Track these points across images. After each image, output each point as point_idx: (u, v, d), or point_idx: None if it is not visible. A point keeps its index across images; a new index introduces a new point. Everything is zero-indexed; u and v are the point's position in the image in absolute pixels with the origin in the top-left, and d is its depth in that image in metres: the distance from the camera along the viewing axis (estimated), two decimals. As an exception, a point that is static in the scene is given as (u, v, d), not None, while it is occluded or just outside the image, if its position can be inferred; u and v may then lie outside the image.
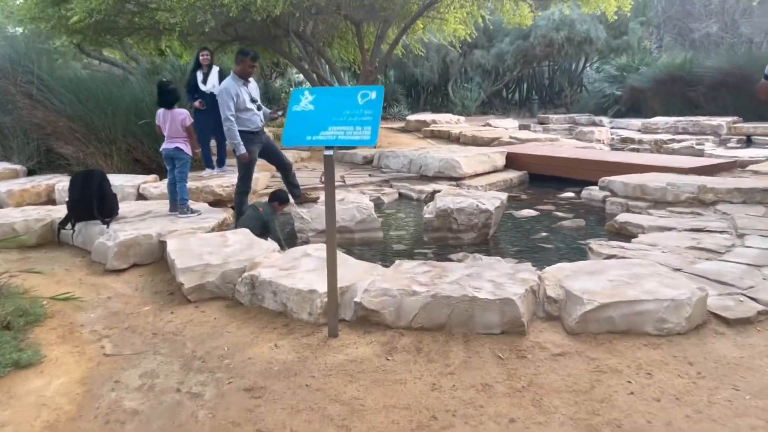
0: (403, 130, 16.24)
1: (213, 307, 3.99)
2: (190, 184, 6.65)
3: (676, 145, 11.68)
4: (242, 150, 5.60)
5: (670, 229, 5.79)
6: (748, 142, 14.12)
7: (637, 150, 13.09)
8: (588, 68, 25.37)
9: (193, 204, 5.96)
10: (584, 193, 8.21)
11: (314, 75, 13.42)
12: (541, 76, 26.35)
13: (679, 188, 6.81)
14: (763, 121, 14.62)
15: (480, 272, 3.73)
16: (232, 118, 5.55)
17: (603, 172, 8.63)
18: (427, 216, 6.00)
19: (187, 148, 5.57)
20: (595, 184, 8.32)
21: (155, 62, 14.20)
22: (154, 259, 4.81)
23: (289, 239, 6.14)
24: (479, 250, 5.74)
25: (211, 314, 3.85)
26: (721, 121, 14.87)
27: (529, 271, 3.77)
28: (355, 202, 6.28)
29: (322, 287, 3.51)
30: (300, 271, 3.91)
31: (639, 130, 16.14)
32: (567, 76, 25.47)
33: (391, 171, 9.99)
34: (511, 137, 12.89)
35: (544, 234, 6.30)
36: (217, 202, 6.93)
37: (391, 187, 8.88)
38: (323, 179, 3.29)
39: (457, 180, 8.96)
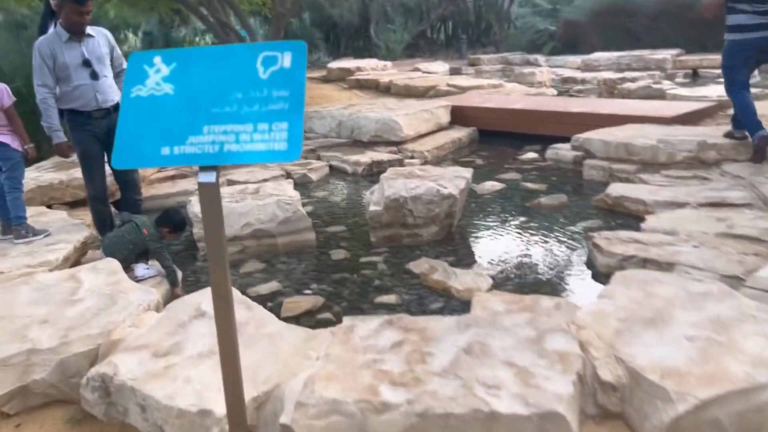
0: (324, 80, 14.43)
1: (46, 421, 2.40)
2: (33, 177, 4.86)
3: (631, 86, 10.52)
4: (58, 137, 3.87)
5: (681, 205, 4.53)
6: (695, 76, 13.21)
7: (580, 92, 11.90)
8: (514, 2, 23.97)
9: (37, 217, 4.20)
10: (550, 152, 6.89)
11: (215, 22, 11.35)
12: (467, 13, 24.76)
13: (674, 146, 5.56)
14: (707, 53, 13.73)
15: (485, 342, 2.29)
16: (45, 92, 3.78)
17: (566, 125, 7.33)
18: (373, 209, 4.48)
19: (14, 143, 3.77)
20: (557, 139, 7.02)
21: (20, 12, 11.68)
22: (-32, 322, 3.09)
23: (183, 255, 4.49)
24: (445, 252, 4.31)
25: (42, 440, 2.27)
26: (666, 55, 13.88)
27: (563, 334, 2.34)
28: (274, 194, 4.68)
29: (221, 402, 1.97)
30: (186, 357, 2.35)
31: (579, 68, 14.97)
32: (494, 12, 24.00)
33: (317, 136, 8.34)
34: (449, 85, 11.40)
35: (521, 219, 4.92)
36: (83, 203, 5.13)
37: (318, 158, 7.27)
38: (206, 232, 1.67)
39: (397, 144, 7.44)
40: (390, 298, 3.61)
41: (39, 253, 3.57)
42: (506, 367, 2.10)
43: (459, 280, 3.65)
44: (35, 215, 4.39)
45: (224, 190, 4.76)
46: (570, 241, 4.38)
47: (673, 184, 5.14)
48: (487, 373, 2.07)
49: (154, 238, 3.69)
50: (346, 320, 2.80)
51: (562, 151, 6.75)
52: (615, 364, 2.20)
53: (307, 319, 3.45)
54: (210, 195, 1.67)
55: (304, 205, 5.36)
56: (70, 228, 4.08)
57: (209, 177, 1.66)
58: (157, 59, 1.79)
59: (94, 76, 3.86)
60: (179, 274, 3.89)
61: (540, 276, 3.84)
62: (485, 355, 2.19)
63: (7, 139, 3.76)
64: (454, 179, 4.70)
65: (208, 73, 1.75)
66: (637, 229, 4.23)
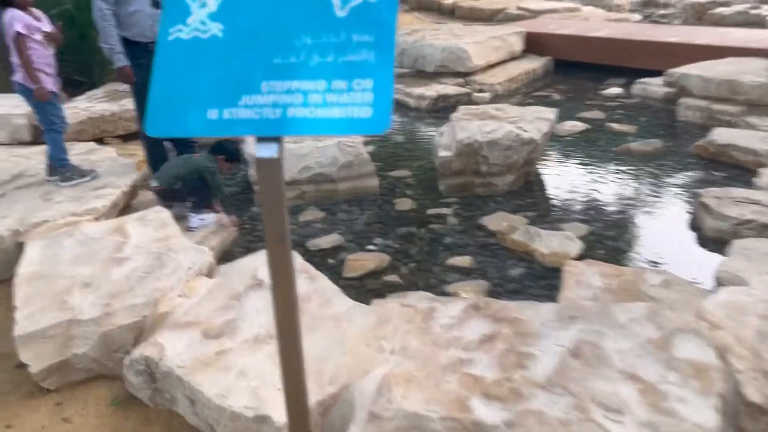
0: None
1: (89, 401, 2.16)
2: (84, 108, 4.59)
3: (724, 11, 9.43)
4: (121, 60, 3.48)
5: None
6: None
7: (663, 18, 10.81)
8: None
9: (85, 155, 3.92)
10: (636, 88, 6.20)
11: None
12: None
13: (791, 85, 4.83)
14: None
15: (597, 343, 1.88)
16: (105, 7, 3.38)
17: (656, 56, 6.59)
18: (443, 154, 4.03)
19: (27, 81, 3.39)
20: (643, 73, 6.31)
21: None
22: (11, 275, 2.88)
23: (239, 198, 4.18)
24: (523, 205, 3.85)
25: (82, 420, 2.04)
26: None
27: (694, 336, 1.90)
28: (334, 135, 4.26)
29: (280, 403, 1.64)
30: (240, 341, 2.03)
31: (661, -10, 13.64)
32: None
33: (378, 64, 7.79)
34: (519, 8, 10.52)
35: (608, 167, 4.39)
36: (135, 137, 4.84)
37: (380, 90, 6.76)
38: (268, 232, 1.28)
39: (465, 75, 6.85)
40: (463, 261, 3.22)
41: (85, 198, 3.30)
42: (627, 381, 1.70)
43: (544, 242, 3.22)
44: (83, 153, 4.12)
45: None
46: (668, 197, 3.86)
47: (789, 130, 4.48)
48: (604, 387, 1.68)
49: (211, 165, 3.37)
50: (423, 299, 2.44)
51: (651, 86, 6.07)
52: (764, 380, 1.77)
53: (372, 281, 3.11)
54: (270, 174, 1.28)
55: (364, 145, 4.95)
56: (120, 169, 3.80)
57: (269, 150, 1.26)
58: (203, -12, 1.36)
59: (156, 4, 3.46)
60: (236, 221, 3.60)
61: (636, 238, 3.37)
62: (599, 361, 1.79)
63: (19, 77, 3.38)
64: (536, 121, 4.18)
65: (268, 8, 1.32)
66: (749, 184, 3.67)
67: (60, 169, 3.49)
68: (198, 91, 1.30)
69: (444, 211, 3.83)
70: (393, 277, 3.12)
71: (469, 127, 4.07)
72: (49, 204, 3.25)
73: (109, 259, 2.61)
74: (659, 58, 6.48)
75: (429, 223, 3.71)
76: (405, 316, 2.15)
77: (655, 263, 3.11)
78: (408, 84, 6.75)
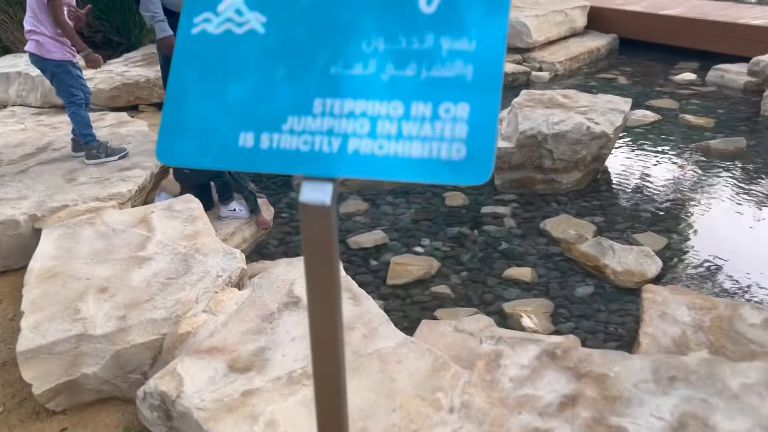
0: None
1: (98, 428, 1.90)
2: (120, 72, 4.32)
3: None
4: (163, 30, 3.12)
5: None
6: None
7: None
8: None
9: (115, 127, 3.64)
10: (712, 75, 5.65)
11: None
12: None
13: None
14: None
15: (706, 419, 1.52)
16: None
17: (737, 40, 5.99)
18: (502, 145, 3.64)
19: (57, 49, 3.07)
20: (720, 57, 5.75)
21: None
22: (27, 262, 2.63)
23: (276, 181, 3.86)
24: (589, 208, 3.46)
25: (91, 454, 1.78)
26: None
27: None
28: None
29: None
30: (271, 378, 1.73)
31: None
32: None
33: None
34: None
35: (686, 167, 3.93)
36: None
37: (430, 64, 6.33)
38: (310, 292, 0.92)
39: (523, 52, 6.37)
40: (523, 273, 2.86)
41: (110, 181, 3.02)
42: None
43: (617, 257, 2.83)
44: (114, 124, 3.85)
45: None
46: (756, 208, 3.41)
47: None
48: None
49: None
50: (480, 323, 2.11)
51: (730, 74, 5.51)
52: None
53: (418, 291, 2.78)
54: (319, 223, 0.94)
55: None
56: (150, 146, 3.51)
57: (320, 194, 0.92)
58: (239, -35, 1.01)
59: None
60: (271, 211, 3.29)
61: (721, 258, 2.95)
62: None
63: (32, 47, 3.09)
64: (609, 113, 3.74)
65: (325, 0, 0.96)
66: None
67: (85, 145, 3.21)
68: (227, 107, 0.96)
69: (500, 210, 3.45)
70: (442, 288, 2.79)
71: (533, 116, 3.66)
72: (71, 185, 2.99)
73: (131, 259, 2.33)
74: (739, 42, 5.89)
75: (483, 223, 3.34)
76: (464, 356, 1.82)
77: (745, 290, 2.70)
78: (461, 59, 6.29)
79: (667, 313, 2.30)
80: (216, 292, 2.12)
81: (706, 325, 2.24)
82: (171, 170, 3.30)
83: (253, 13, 0.98)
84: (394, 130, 0.89)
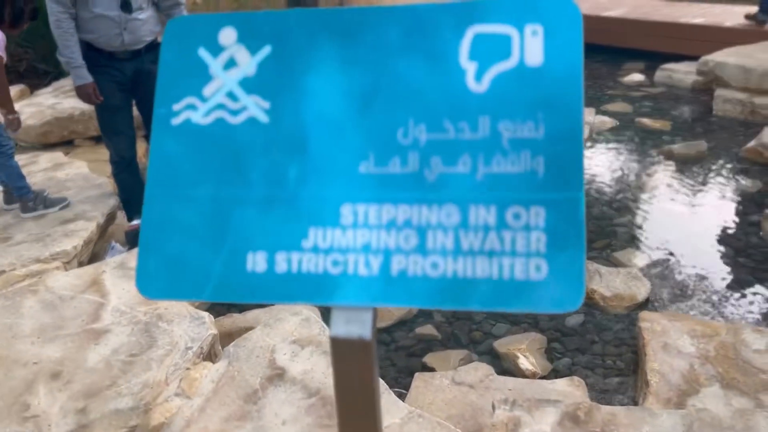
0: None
1: None
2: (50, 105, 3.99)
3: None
4: (81, 78, 2.78)
5: None
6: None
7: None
8: None
9: (52, 171, 3.30)
10: (660, 75, 5.71)
11: None
12: None
13: None
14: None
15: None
16: (59, 11, 2.67)
17: (681, 40, 6.09)
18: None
19: None
20: (665, 56, 5.82)
21: None
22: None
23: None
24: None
25: None
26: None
27: None
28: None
29: None
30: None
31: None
32: None
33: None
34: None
35: (653, 175, 3.89)
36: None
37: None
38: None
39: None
40: (510, 304, 2.71)
41: (52, 237, 2.71)
42: None
43: (604, 282, 2.72)
44: (49, 168, 3.51)
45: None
46: (730, 215, 3.38)
47: None
48: None
49: None
50: (479, 372, 1.95)
51: (677, 73, 5.57)
52: None
53: (402, 334, 2.60)
54: (356, 363, 0.75)
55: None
56: (92, 191, 3.19)
57: (356, 326, 0.73)
58: (228, 34, 0.81)
59: (127, 7, 2.71)
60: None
61: (706, 272, 2.89)
62: None
63: None
64: (574, 126, 3.65)
65: (349, 73, 0.77)
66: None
67: (21, 198, 2.88)
68: (228, 220, 0.76)
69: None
70: (427, 329, 2.61)
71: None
72: (6, 246, 2.66)
73: (84, 333, 2.06)
74: (683, 41, 5.98)
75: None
76: (468, 415, 1.65)
77: (737, 305, 2.64)
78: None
79: (669, 344, 2.19)
80: (188, 369, 1.88)
81: (711, 355, 2.15)
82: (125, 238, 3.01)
83: (251, 96, 0.78)
84: (450, 243, 0.71)
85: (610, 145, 4.38)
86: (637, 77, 5.83)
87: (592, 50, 6.64)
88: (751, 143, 3.98)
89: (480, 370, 2.16)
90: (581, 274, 0.68)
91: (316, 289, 0.73)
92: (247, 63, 0.79)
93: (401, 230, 0.72)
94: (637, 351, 2.34)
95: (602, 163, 4.09)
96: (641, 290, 2.67)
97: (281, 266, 0.73)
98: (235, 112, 0.78)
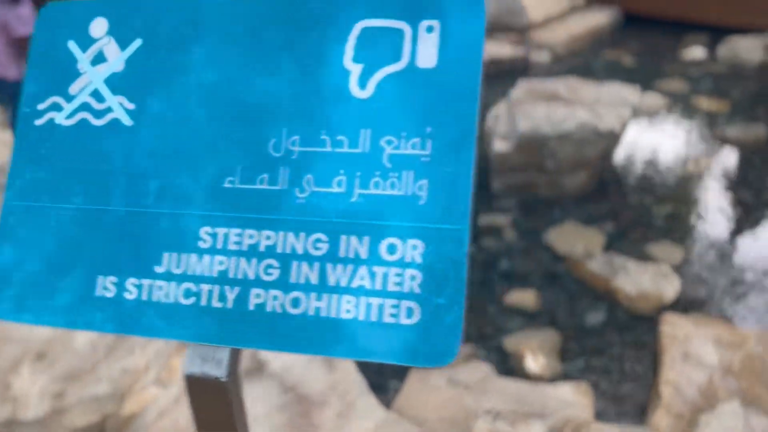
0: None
1: None
2: None
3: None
4: None
5: None
6: None
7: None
8: None
9: None
10: (724, 50, 5.30)
11: None
12: None
13: None
14: None
15: None
16: None
17: (750, 11, 5.61)
18: (499, 147, 3.32)
19: None
20: (731, 29, 5.39)
21: None
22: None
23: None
24: (598, 213, 3.15)
25: None
26: None
27: None
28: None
29: None
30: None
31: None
32: None
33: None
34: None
35: (701, 159, 3.61)
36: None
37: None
38: None
39: (521, 31, 6.00)
40: (526, 297, 2.57)
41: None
42: None
43: (631, 278, 2.53)
44: None
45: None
46: (782, 209, 3.10)
47: None
48: None
49: None
50: (476, 373, 1.84)
51: (743, 49, 5.15)
52: None
53: (411, 324, 2.49)
54: (214, 403, 0.65)
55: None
56: None
57: (211, 365, 0.63)
58: (100, 25, 0.71)
59: None
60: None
61: (748, 272, 2.66)
62: None
63: None
64: (617, 106, 3.41)
65: (221, 72, 0.66)
66: None
67: None
68: (83, 240, 0.67)
69: (499, 220, 3.15)
70: (437, 320, 2.50)
71: (534, 113, 3.34)
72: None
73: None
74: (751, 12, 5.51)
75: (481, 235, 3.05)
76: (461, 418, 1.55)
77: (776, 314, 2.41)
78: (455, 42, 5.93)
79: (690, 353, 2.02)
80: (170, 356, 1.84)
81: (735, 367, 1.96)
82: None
83: (117, 97, 0.68)
84: (315, 277, 0.60)
85: (658, 127, 4.10)
86: (698, 52, 5.43)
87: (653, 23, 6.25)
88: (817, 129, 3.64)
89: (479, 369, 2.04)
90: (458, 323, 0.56)
91: (166, 323, 0.63)
92: (116, 58, 0.69)
93: (262, 260, 0.61)
94: (655, 357, 2.17)
95: (646, 147, 3.82)
96: (669, 290, 2.48)
97: (131, 293, 0.64)
98: (99, 114, 0.69)
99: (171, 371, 1.79)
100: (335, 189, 0.61)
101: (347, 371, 1.75)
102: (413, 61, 0.61)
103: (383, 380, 2.18)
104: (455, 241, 0.57)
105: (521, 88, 3.71)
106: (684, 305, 2.47)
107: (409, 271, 0.58)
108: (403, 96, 0.60)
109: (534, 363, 2.18)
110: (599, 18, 6.38)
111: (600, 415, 1.96)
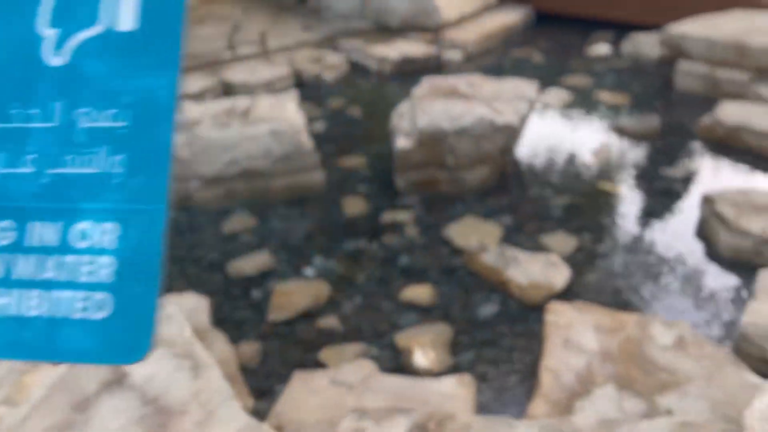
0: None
1: None
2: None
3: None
4: None
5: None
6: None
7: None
8: None
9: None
10: (627, 46, 5.47)
11: None
12: None
13: (809, 49, 4.13)
14: None
15: None
16: None
17: (649, 8, 5.82)
18: (401, 144, 3.30)
19: None
20: (637, 27, 5.58)
21: None
22: None
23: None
24: (498, 207, 3.18)
25: None
26: None
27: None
28: (269, 118, 3.48)
29: None
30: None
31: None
32: None
33: (336, 17, 6.90)
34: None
35: (598, 152, 3.69)
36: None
37: (336, 49, 5.94)
38: None
39: (435, 30, 6.04)
40: (422, 292, 2.55)
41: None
42: None
43: (522, 269, 2.55)
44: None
45: (205, 108, 3.61)
46: (671, 197, 3.20)
47: (809, 106, 3.81)
48: None
49: None
50: (360, 373, 1.80)
51: (644, 45, 5.34)
52: None
53: (304, 326, 2.44)
54: None
55: (314, 121, 4.23)
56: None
57: None
58: None
59: None
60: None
61: (633, 258, 2.72)
62: None
63: None
64: (514, 100, 3.45)
65: None
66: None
67: None
68: None
69: (401, 217, 3.13)
70: (332, 320, 2.45)
71: (432, 110, 3.34)
72: None
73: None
74: (652, 9, 5.72)
75: (383, 232, 3.02)
76: (338, 418, 1.49)
77: (658, 300, 2.47)
78: (369, 42, 5.92)
79: (571, 340, 2.03)
80: (23, 373, 1.72)
81: (614, 351, 1.99)
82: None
83: None
84: (2, 269, 0.52)
85: (559, 121, 4.18)
86: (604, 49, 5.59)
87: (563, 21, 6.40)
88: (706, 120, 3.78)
89: (364, 368, 2.00)
90: (149, 314, 0.50)
91: None
92: None
93: None
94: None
95: (546, 140, 3.89)
96: (558, 278, 2.50)
97: None
98: None
99: (22, 389, 1.67)
100: (24, 169, 0.54)
101: (211, 379, 1.67)
102: (113, 24, 0.55)
103: (269, 384, 2.11)
104: (151, 223, 0.51)
105: (424, 85, 3.71)
106: (576, 293, 2.50)
107: (103, 259, 0.51)
108: (101, 62, 0.54)
109: (424, 358, 2.16)
110: (511, 17, 6.49)
111: (484, 407, 1.95)
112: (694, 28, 4.70)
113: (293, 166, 3.37)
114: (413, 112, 3.40)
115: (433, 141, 3.24)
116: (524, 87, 3.62)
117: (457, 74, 4.21)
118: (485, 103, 3.38)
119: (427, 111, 3.33)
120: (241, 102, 3.79)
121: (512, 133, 3.31)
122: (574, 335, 2.04)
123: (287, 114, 3.55)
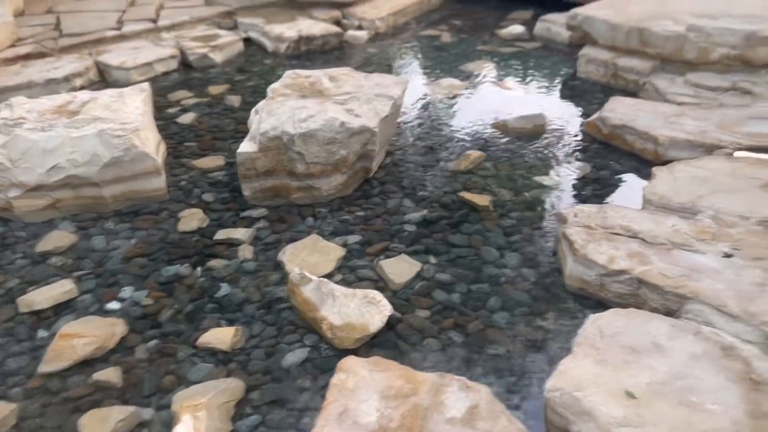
0: None
1: None
2: None
3: None
4: None
5: (710, 148, 3.01)
6: None
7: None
8: None
9: None
10: (539, 27, 5.14)
11: None
12: None
13: (710, 37, 3.84)
14: None
15: None
16: None
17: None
18: (244, 148, 2.94)
19: None
20: (557, 5, 5.25)
21: None
22: None
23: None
24: (351, 221, 2.87)
25: None
26: None
27: None
28: (102, 118, 3.08)
29: None
30: None
31: None
32: None
33: (245, -11, 6.42)
34: None
35: (474, 156, 3.38)
36: None
37: (235, 27, 5.49)
38: None
39: (343, 6, 5.62)
40: (223, 337, 2.23)
41: None
42: None
43: (337, 306, 2.24)
44: None
45: (35, 104, 3.20)
46: (537, 209, 2.91)
47: (701, 101, 3.54)
48: None
49: None
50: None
51: (556, 26, 5.01)
52: None
53: (81, 378, 2.11)
54: None
55: (186, 110, 3.87)
56: None
57: None
58: None
59: None
60: None
61: (475, 287, 2.44)
62: None
63: None
64: (374, 100, 3.11)
65: None
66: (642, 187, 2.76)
67: None
68: None
69: (239, 234, 2.79)
70: (112, 373, 2.12)
71: (279, 111, 2.98)
72: None
73: None
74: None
75: (213, 255, 2.69)
76: None
77: (478, 350, 2.18)
78: (271, 18, 5.48)
79: (349, 410, 1.75)
80: None
81: (394, 421, 1.71)
82: None
83: None
84: None
85: (444, 116, 3.85)
86: (517, 29, 5.25)
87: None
88: (593, 117, 3.49)
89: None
90: None
91: None
92: None
93: None
94: (331, 410, 1.89)
95: (421, 142, 3.56)
96: (376, 319, 2.20)
97: None
98: None
99: None
100: None
101: None
102: None
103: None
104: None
105: (283, 81, 3.34)
106: (396, 334, 2.22)
107: None
108: None
109: (186, 427, 1.85)
110: (428, -9, 6.09)
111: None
112: (600, 10, 4.37)
113: (124, 173, 3.01)
114: (258, 116, 3.04)
115: (278, 145, 2.90)
116: (388, 84, 3.27)
117: (365, 52, 3.83)
118: (340, 103, 3.03)
119: (274, 112, 2.98)
120: (82, 96, 3.38)
121: (371, 136, 2.98)
122: (355, 404, 1.76)
123: (124, 112, 3.16)
